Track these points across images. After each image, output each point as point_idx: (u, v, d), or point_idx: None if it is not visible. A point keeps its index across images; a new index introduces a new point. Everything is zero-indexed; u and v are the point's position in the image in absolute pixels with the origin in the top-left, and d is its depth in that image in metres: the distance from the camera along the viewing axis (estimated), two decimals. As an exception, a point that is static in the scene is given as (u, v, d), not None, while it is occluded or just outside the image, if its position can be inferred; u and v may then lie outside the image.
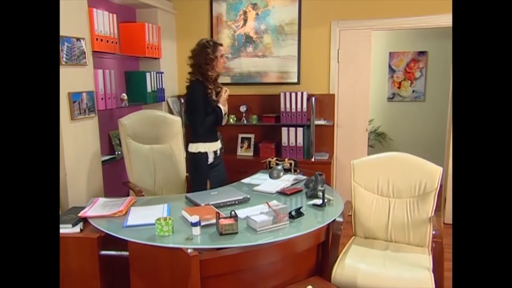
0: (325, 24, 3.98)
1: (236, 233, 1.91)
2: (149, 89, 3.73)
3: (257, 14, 4.13)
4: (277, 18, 4.08)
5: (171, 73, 4.29)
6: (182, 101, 3.84)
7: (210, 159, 2.80)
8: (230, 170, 3.95)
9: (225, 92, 2.82)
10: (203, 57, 2.69)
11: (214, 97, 2.78)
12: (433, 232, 2.14)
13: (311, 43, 4.03)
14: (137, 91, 3.70)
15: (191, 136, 2.85)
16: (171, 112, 4.14)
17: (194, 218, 1.89)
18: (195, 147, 2.76)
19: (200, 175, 2.79)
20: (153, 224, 1.94)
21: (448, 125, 3.92)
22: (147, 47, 3.64)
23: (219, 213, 1.97)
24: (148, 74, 3.72)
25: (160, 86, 3.93)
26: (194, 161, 2.79)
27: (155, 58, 3.90)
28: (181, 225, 2.03)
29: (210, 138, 2.83)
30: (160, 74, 3.92)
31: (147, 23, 3.63)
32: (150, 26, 3.67)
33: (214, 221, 1.99)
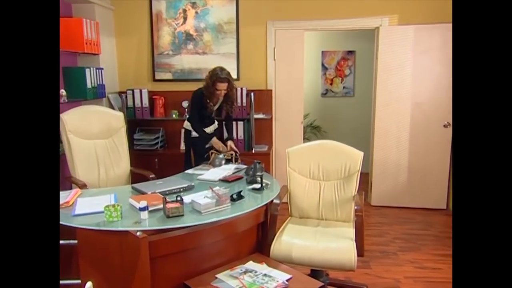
0: (262, 23, 4.23)
1: (182, 215, 2.07)
2: (89, 85, 3.73)
3: (196, 12, 4.28)
4: (216, 17, 4.26)
5: (111, 69, 4.30)
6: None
7: (194, 134, 3.56)
8: (174, 164, 4.08)
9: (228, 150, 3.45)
10: (207, 82, 3.35)
11: (212, 107, 3.49)
12: (355, 207, 2.45)
13: (249, 42, 4.27)
14: (76, 87, 3.68)
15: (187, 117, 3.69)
16: (112, 108, 4.15)
17: (142, 203, 2.02)
18: (186, 125, 3.62)
19: (187, 143, 3.70)
20: (102, 212, 2.04)
21: (372, 117, 4.36)
22: (86, 43, 3.63)
23: (165, 198, 2.11)
24: (87, 70, 3.71)
25: (100, 82, 3.94)
26: (186, 134, 3.68)
27: (94, 54, 3.90)
28: (129, 212, 2.15)
29: None
30: (100, 70, 3.92)
31: (84, 19, 3.62)
32: (87, 22, 3.66)
33: (161, 206, 2.14)
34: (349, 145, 2.79)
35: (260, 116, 4.19)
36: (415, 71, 4.08)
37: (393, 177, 4.31)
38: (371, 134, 4.44)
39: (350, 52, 5.85)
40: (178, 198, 2.12)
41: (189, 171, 3.07)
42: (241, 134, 4.16)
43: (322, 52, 5.85)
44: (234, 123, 4.12)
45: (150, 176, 3.17)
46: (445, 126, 4.11)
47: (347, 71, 5.87)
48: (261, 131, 4.29)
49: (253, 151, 4.11)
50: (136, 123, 4.32)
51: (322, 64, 5.87)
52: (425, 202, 4.26)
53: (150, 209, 2.09)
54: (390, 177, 4.32)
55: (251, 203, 2.34)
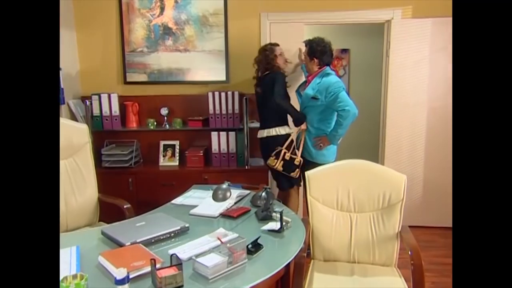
0: (254, 15, 3.59)
1: (181, 286, 1.40)
2: (42, 90, 2.96)
3: (176, 1, 3.58)
4: (200, 8, 3.58)
5: (72, 70, 3.53)
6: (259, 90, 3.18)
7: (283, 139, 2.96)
8: (153, 184, 3.40)
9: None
10: (265, 59, 2.99)
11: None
12: (409, 253, 1.87)
13: (240, 37, 3.61)
14: (25, 92, 2.90)
15: (277, 120, 3.03)
16: (73, 117, 3.39)
17: (120, 273, 1.33)
18: (277, 131, 2.99)
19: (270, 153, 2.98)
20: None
21: (383, 124, 3.81)
22: (38, 36, 2.86)
23: (154, 260, 1.43)
24: (40, 71, 2.94)
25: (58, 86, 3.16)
26: (275, 143, 2.96)
27: (50, 51, 3.12)
28: (98, 280, 1.45)
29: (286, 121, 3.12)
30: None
31: (36, 6, 2.85)
32: (40, 10, 2.89)
33: (148, 269, 1.45)
34: (353, 156, 2.23)
35: (255, 125, 3.53)
36: (432, 71, 3.57)
37: (407, 192, 3.77)
38: (380, 144, 3.89)
39: (344, 51, 5.32)
40: (174, 257, 1.45)
41: (176, 200, 2.37)
42: (232, 147, 3.50)
43: (314, 50, 5.27)
44: (224, 133, 3.48)
45: (125, 206, 2.47)
46: (464, 133, 3.62)
47: (341, 71, 5.33)
48: (255, 143, 3.60)
49: (248, 167, 3.46)
50: (104, 135, 3.56)
51: (315, 64, 5.30)
52: (443, 220, 3.76)
53: (131, 276, 1.41)
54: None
55: (273, 256, 1.69)
